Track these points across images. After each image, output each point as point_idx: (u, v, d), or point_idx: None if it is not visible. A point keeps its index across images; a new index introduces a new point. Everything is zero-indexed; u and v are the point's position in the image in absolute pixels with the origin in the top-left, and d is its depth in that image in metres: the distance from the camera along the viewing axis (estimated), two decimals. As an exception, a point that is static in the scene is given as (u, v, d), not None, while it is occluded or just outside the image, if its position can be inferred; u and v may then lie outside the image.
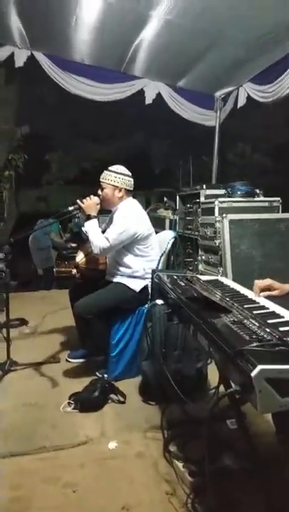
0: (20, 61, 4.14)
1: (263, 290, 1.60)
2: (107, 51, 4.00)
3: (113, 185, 2.63)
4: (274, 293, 1.60)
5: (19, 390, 2.46)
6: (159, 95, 4.69)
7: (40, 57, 4.18)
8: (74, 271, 2.56)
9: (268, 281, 1.62)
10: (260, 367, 0.91)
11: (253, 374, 0.91)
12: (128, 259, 2.61)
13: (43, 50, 4.12)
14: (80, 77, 4.35)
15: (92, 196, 2.66)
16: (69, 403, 2.24)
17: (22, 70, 4.29)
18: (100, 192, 2.66)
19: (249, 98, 4.43)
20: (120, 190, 2.64)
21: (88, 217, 2.62)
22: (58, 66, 4.28)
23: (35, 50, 4.09)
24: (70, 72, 4.31)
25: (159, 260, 2.79)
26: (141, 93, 4.64)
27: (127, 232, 2.53)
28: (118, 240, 2.52)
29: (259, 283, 1.62)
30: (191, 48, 3.77)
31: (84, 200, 2.64)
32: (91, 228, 2.59)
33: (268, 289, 1.60)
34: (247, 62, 3.99)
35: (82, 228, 2.66)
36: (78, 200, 2.66)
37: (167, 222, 4.60)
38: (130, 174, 2.70)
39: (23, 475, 1.68)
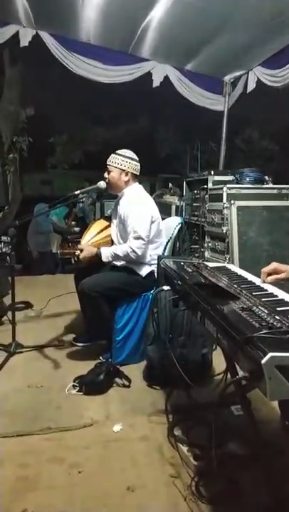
0: (25, 40, 4.05)
1: (269, 274, 1.59)
2: (114, 31, 3.90)
3: (120, 169, 2.60)
4: (281, 276, 1.59)
5: (24, 372, 2.48)
6: (166, 78, 4.60)
7: (45, 36, 4.10)
8: (78, 252, 2.55)
9: (273, 265, 1.61)
10: (270, 354, 0.91)
11: (263, 361, 0.90)
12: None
13: (49, 30, 4.04)
14: (86, 58, 4.27)
15: (78, 249, 2.61)
16: (74, 386, 2.26)
17: (27, 50, 4.21)
18: (106, 175, 2.64)
19: (258, 83, 4.34)
20: (127, 174, 2.62)
21: (97, 255, 2.56)
22: (64, 46, 4.20)
23: (41, 30, 4.01)
24: (76, 53, 4.23)
25: (165, 246, 2.77)
26: (148, 76, 4.55)
27: (147, 219, 2.53)
28: (145, 229, 2.51)
29: (265, 269, 1.62)
30: (201, 28, 3.67)
31: (80, 255, 2.58)
32: (109, 253, 2.55)
33: (275, 272, 1.59)
34: (258, 45, 3.90)
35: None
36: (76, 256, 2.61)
37: (173, 208, 4.56)
38: (137, 159, 2.68)
39: (30, 455, 1.71)
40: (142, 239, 2.49)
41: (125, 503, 1.46)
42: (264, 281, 1.59)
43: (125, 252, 2.51)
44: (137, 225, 2.50)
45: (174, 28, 3.68)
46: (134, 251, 2.48)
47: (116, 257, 2.55)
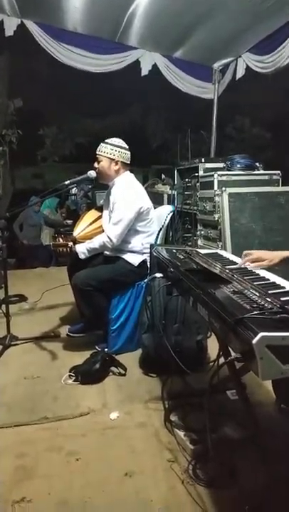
0: (10, 30, 3.98)
1: (254, 263, 1.61)
2: (100, 19, 3.85)
3: (110, 158, 2.58)
4: (263, 263, 1.60)
5: (20, 363, 2.48)
6: (155, 66, 4.55)
7: (31, 25, 4.03)
8: (70, 243, 2.54)
9: (256, 254, 1.62)
10: (261, 334, 0.91)
11: (254, 341, 0.91)
12: (127, 234, 2.59)
13: (34, 18, 3.96)
14: (73, 47, 4.21)
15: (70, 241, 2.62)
16: (70, 376, 2.26)
17: (12, 40, 4.14)
18: (96, 165, 2.62)
19: (248, 69, 4.31)
20: (117, 163, 2.59)
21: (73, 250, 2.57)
22: (51, 36, 4.13)
23: (26, 18, 3.94)
24: (63, 42, 4.17)
25: (158, 235, 2.77)
26: (136, 64, 4.50)
27: (132, 209, 2.50)
28: (126, 220, 2.48)
29: (249, 255, 1.63)
30: (188, 15, 3.62)
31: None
32: (84, 249, 2.54)
33: (258, 261, 1.61)
34: (246, 31, 3.86)
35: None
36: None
37: (165, 197, 4.55)
38: (127, 147, 2.65)
39: (27, 444, 1.72)
40: (120, 227, 2.47)
41: (124, 488, 1.48)
42: (243, 264, 1.63)
43: (101, 242, 2.50)
44: (120, 212, 2.48)
45: (160, 15, 3.64)
46: (110, 239, 2.47)
47: (92, 250, 2.54)
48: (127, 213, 2.49)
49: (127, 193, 2.55)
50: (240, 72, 4.39)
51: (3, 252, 2.68)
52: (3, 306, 2.75)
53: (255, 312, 1.05)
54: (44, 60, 4.57)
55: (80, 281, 2.47)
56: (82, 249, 2.55)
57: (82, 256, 2.55)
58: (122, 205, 2.50)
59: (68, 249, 2.58)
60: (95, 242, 2.53)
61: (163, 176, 5.26)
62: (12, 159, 6.04)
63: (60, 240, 2.65)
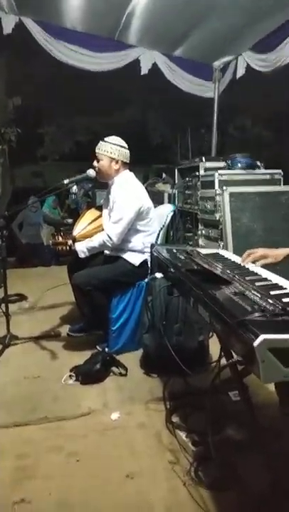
0: (8, 27, 3.94)
1: (257, 261, 1.60)
2: (99, 17, 3.81)
3: (109, 157, 2.56)
4: (268, 261, 1.59)
5: (20, 363, 2.48)
6: (155, 65, 4.53)
7: (29, 23, 4.00)
8: (70, 242, 2.54)
9: (260, 252, 1.61)
10: (262, 336, 0.90)
11: (255, 344, 0.90)
12: (127, 234, 2.58)
13: (32, 16, 3.93)
14: (72, 45, 4.18)
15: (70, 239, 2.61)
16: (70, 376, 2.26)
17: (11, 38, 4.11)
18: (95, 163, 2.60)
19: (249, 68, 4.28)
20: (117, 162, 2.58)
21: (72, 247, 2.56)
22: (49, 34, 4.10)
23: (24, 16, 3.90)
24: (62, 40, 4.14)
25: (158, 234, 2.76)
26: (136, 63, 4.48)
27: (132, 208, 2.49)
28: (127, 219, 2.47)
29: (252, 253, 1.62)
30: (188, 12, 3.59)
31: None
32: (84, 248, 2.53)
33: (263, 258, 1.60)
34: (247, 29, 3.83)
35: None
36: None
37: (166, 196, 4.54)
38: (126, 146, 2.64)
39: (28, 444, 1.71)
40: (120, 226, 2.46)
41: (124, 490, 1.47)
42: (244, 262, 1.62)
43: (101, 241, 2.49)
44: (120, 211, 2.48)
45: (159, 14, 3.61)
46: (110, 238, 2.46)
47: (92, 249, 2.53)
48: (127, 212, 2.48)
49: (127, 191, 2.54)
50: (241, 71, 4.36)
51: (2, 251, 2.67)
52: (3, 306, 2.75)
53: (257, 314, 1.03)
54: (43, 58, 4.53)
55: (81, 281, 2.47)
56: (81, 248, 2.53)
57: (81, 255, 2.54)
58: (122, 204, 2.49)
59: (68, 247, 2.57)
60: (95, 241, 2.52)
61: (163, 175, 5.24)
62: (11, 158, 6.02)
63: (60, 239, 2.64)
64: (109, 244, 2.49)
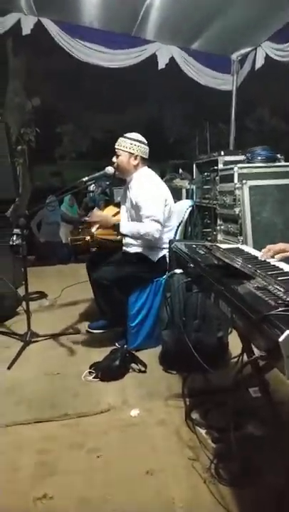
0: (27, 28, 4.01)
1: (277, 254, 1.56)
2: (117, 12, 3.82)
3: (129, 152, 2.55)
4: (288, 254, 1.55)
5: (40, 360, 2.50)
6: (172, 60, 4.50)
7: (47, 23, 4.04)
8: (88, 237, 2.54)
9: (281, 246, 1.57)
10: (288, 331, 0.87)
11: (280, 339, 0.87)
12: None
13: (50, 16, 3.98)
14: (89, 43, 4.21)
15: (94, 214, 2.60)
16: (90, 372, 2.26)
17: (30, 38, 4.16)
18: (114, 159, 2.60)
19: (267, 59, 4.19)
20: (136, 158, 2.57)
21: (116, 227, 2.52)
22: (67, 32, 4.13)
23: (42, 16, 3.95)
24: (79, 38, 4.16)
25: (177, 230, 2.73)
26: (153, 58, 4.45)
27: (161, 201, 2.48)
28: (160, 212, 2.46)
29: (272, 247, 1.58)
30: (205, 4, 3.56)
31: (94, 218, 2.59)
32: (129, 226, 2.51)
33: (283, 252, 1.55)
34: (265, 19, 3.76)
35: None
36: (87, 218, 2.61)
37: (184, 192, 4.50)
38: (146, 142, 2.63)
39: (48, 440, 1.72)
40: (159, 222, 2.44)
41: (145, 486, 1.46)
42: (265, 256, 1.58)
43: (144, 231, 2.43)
44: (152, 207, 2.45)
45: (177, 7, 3.58)
46: (151, 234, 2.43)
47: (135, 232, 2.47)
48: (159, 208, 2.46)
49: (151, 187, 2.52)
50: (260, 62, 4.28)
51: (22, 249, 2.70)
52: (24, 303, 2.78)
53: (281, 309, 1.00)
54: (61, 58, 4.57)
55: (100, 277, 2.47)
56: (126, 226, 2.51)
57: (122, 230, 2.50)
58: (150, 201, 2.46)
59: (85, 243, 2.57)
60: (142, 228, 2.44)
61: (180, 171, 5.19)
62: (31, 157, 6.09)
63: (79, 235, 2.64)
64: (151, 239, 2.45)
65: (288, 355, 0.87)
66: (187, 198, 4.31)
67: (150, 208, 2.45)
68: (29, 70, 6.42)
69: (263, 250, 1.65)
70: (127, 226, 2.52)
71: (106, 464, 1.58)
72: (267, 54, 4.16)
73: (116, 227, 2.52)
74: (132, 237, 2.52)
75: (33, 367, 2.41)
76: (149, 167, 2.69)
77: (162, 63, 4.46)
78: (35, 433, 1.78)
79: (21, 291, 3.03)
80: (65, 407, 1.96)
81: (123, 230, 2.50)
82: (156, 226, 2.43)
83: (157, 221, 2.43)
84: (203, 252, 1.80)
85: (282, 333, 0.88)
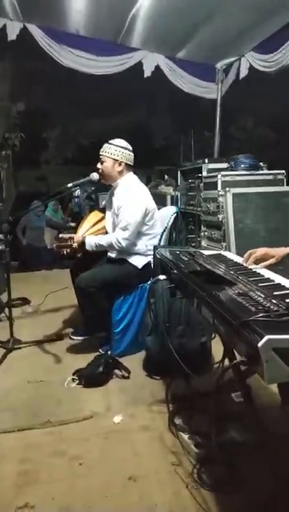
0: (12, 34, 3.98)
1: (259, 261, 1.59)
2: (102, 21, 3.84)
3: (113, 159, 2.57)
4: (270, 261, 1.58)
5: (23, 367, 2.47)
6: (158, 68, 4.54)
7: (33, 29, 4.03)
8: (75, 244, 2.53)
9: (262, 251, 1.60)
10: (267, 337, 0.89)
11: (260, 344, 0.89)
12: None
13: (36, 22, 3.97)
14: (75, 50, 4.20)
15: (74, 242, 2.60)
16: (73, 379, 2.25)
17: (15, 44, 4.14)
18: (99, 165, 2.61)
19: (252, 69, 4.28)
20: (120, 164, 2.58)
21: (82, 245, 2.55)
22: (53, 39, 4.13)
23: (28, 22, 3.94)
24: (65, 45, 4.16)
25: (161, 236, 2.75)
26: (139, 66, 4.49)
27: (139, 213, 2.50)
28: (135, 222, 2.48)
29: (254, 253, 1.61)
30: (191, 14, 3.60)
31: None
32: (93, 242, 2.54)
33: (264, 258, 1.58)
34: (250, 30, 3.83)
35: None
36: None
37: (168, 198, 4.52)
38: (131, 148, 2.65)
39: (30, 449, 1.70)
40: (129, 231, 2.46)
41: (127, 493, 1.46)
42: (247, 263, 1.61)
43: (110, 242, 2.49)
44: (128, 216, 2.48)
45: (163, 16, 3.62)
46: (119, 242, 2.46)
47: (100, 246, 2.53)
48: (134, 217, 2.48)
49: (133, 196, 2.54)
50: (244, 72, 4.36)
51: (5, 255, 2.67)
52: (7, 310, 2.74)
53: (261, 314, 1.02)
54: (47, 63, 4.57)
55: (84, 283, 2.46)
56: (90, 242, 2.54)
57: (88, 247, 2.54)
58: (129, 209, 2.49)
59: (72, 250, 2.56)
60: (104, 241, 2.52)
61: (166, 177, 5.23)
62: (15, 162, 6.06)
63: (64, 239, 2.63)
64: (117, 248, 2.49)
65: (267, 360, 0.89)
66: (172, 204, 4.34)
67: (126, 216, 2.48)
68: (14, 74, 6.40)
69: (245, 256, 1.68)
70: (91, 242, 2.55)
71: (88, 471, 1.57)
72: (251, 64, 4.25)
73: (83, 245, 2.55)
74: (100, 249, 2.55)
75: (15, 374, 2.38)
76: (134, 173, 2.71)
77: (148, 71, 4.50)
78: (18, 442, 1.76)
79: (4, 297, 3.00)
80: (48, 415, 1.94)
81: (88, 247, 2.54)
82: (123, 235, 2.46)
83: (127, 229, 2.46)
84: (186, 259, 1.82)
85: (261, 339, 0.89)
